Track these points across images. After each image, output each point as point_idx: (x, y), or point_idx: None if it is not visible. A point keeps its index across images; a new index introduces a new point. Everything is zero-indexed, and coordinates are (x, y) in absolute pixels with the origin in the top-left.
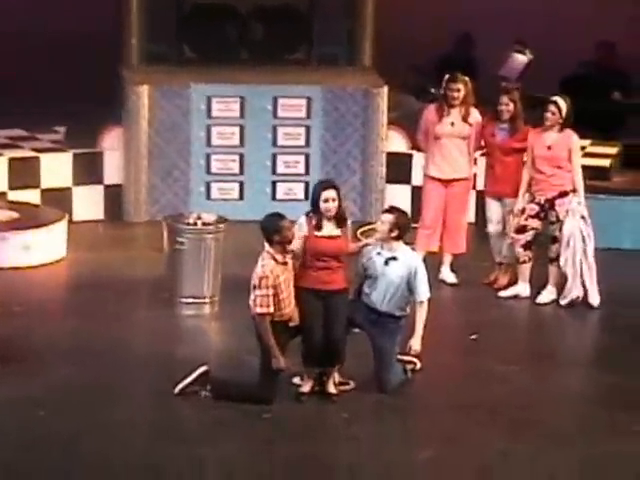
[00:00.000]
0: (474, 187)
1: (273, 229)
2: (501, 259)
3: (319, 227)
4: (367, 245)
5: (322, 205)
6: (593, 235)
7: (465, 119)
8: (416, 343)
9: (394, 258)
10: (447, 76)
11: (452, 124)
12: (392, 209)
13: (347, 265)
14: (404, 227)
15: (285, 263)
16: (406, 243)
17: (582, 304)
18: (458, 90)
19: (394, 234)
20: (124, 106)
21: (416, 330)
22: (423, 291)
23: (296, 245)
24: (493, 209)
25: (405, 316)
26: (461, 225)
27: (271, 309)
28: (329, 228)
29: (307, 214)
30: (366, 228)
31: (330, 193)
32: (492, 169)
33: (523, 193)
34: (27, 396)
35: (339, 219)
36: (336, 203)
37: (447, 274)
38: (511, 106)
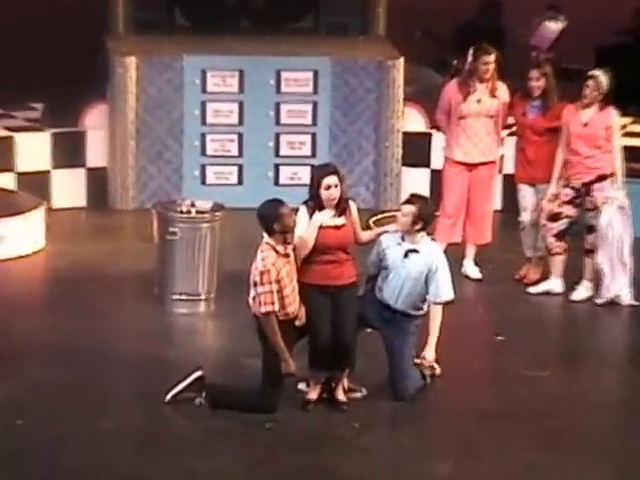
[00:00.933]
0: (500, 170)
1: (272, 217)
2: (533, 253)
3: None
4: (385, 232)
5: (323, 193)
6: (632, 226)
7: (493, 94)
8: (430, 352)
9: (415, 251)
10: (475, 47)
11: (478, 101)
12: (413, 198)
13: (357, 256)
14: (428, 218)
15: (287, 255)
16: (428, 234)
17: (619, 302)
18: (490, 63)
19: (417, 226)
20: (109, 80)
21: (430, 337)
22: (443, 291)
23: (300, 232)
24: (527, 197)
25: (422, 316)
26: (487, 213)
27: (276, 306)
28: (330, 218)
29: (306, 203)
30: (380, 217)
31: (332, 179)
32: (523, 152)
33: (557, 177)
34: (4, 399)
35: (340, 206)
36: (338, 189)
37: (471, 268)
38: (542, 81)
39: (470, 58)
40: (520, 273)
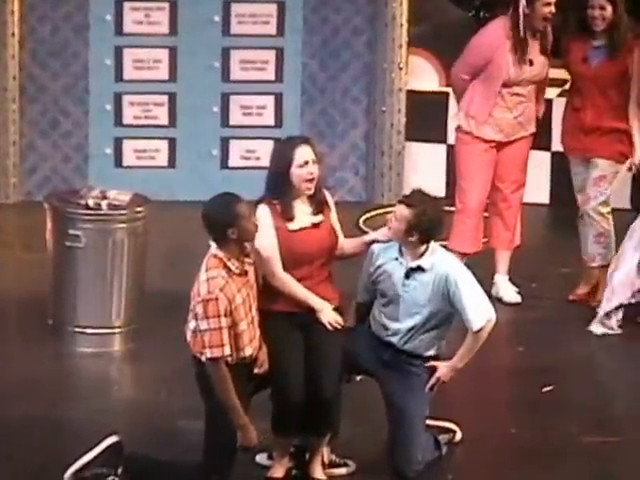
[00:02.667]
0: (548, 147)
1: (226, 220)
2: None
3: (290, 216)
4: (375, 242)
5: (297, 173)
6: None
7: (544, 51)
8: (446, 370)
9: (420, 269)
10: None
11: (531, 63)
12: (413, 197)
13: (338, 269)
14: (430, 229)
15: (244, 273)
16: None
17: None
18: (551, 5)
19: (413, 238)
20: None
21: (456, 356)
22: (481, 311)
23: (264, 243)
24: (583, 174)
25: (438, 356)
26: (519, 205)
27: (227, 349)
28: (305, 215)
29: (264, 199)
30: (373, 213)
31: (307, 152)
32: (577, 113)
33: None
34: None
35: (317, 198)
36: (316, 168)
37: (505, 287)
38: (609, 10)
39: (522, 1)
40: (577, 291)
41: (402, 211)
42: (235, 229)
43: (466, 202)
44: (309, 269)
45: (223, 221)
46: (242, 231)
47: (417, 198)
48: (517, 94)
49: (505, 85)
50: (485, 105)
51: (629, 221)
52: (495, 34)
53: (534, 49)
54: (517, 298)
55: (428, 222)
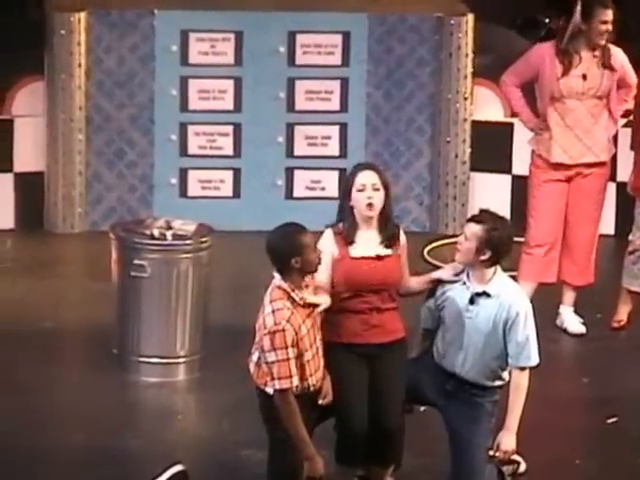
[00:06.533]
0: (613, 178)
1: (290, 251)
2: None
3: (350, 240)
4: (440, 281)
5: (356, 198)
6: None
7: (605, 64)
8: (508, 440)
9: (486, 294)
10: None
11: (584, 77)
12: (483, 215)
13: (403, 303)
14: (501, 246)
15: (308, 305)
16: (505, 270)
17: None
18: (609, 23)
19: (484, 257)
20: (46, 47)
21: (508, 418)
22: (530, 351)
23: (322, 277)
24: None
25: (501, 387)
26: (593, 241)
27: (295, 380)
28: (371, 243)
29: (333, 226)
30: (438, 244)
31: (369, 176)
32: None
33: None
34: None
35: (387, 229)
36: (381, 196)
37: (570, 318)
38: None
39: (577, 16)
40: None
41: (472, 228)
42: (299, 258)
43: (534, 233)
44: (372, 299)
45: (288, 250)
46: (306, 261)
47: (486, 216)
48: (575, 110)
49: (557, 99)
50: (539, 120)
51: (614, 247)
52: (546, 46)
53: (591, 64)
54: (582, 329)
55: (499, 238)
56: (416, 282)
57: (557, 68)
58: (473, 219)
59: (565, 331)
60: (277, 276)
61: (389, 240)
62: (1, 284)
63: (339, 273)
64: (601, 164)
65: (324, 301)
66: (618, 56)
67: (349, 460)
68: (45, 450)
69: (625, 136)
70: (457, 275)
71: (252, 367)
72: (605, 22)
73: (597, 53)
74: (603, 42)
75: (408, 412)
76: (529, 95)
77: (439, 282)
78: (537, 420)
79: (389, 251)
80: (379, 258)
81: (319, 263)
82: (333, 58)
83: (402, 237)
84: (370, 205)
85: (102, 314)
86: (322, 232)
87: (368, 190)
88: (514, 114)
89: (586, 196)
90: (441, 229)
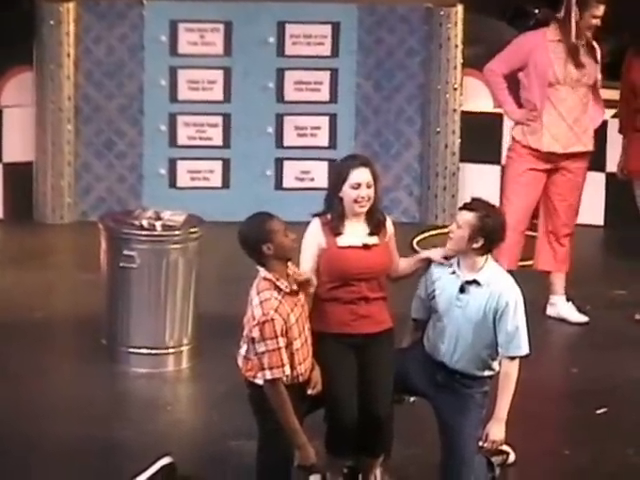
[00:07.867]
0: (602, 168)
1: (258, 237)
2: None
3: (338, 231)
4: (430, 260)
5: (348, 193)
6: None
7: (591, 55)
8: (497, 429)
9: (476, 282)
10: None
11: (579, 64)
12: (475, 203)
13: (392, 292)
14: (493, 233)
15: (294, 292)
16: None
17: None
18: (600, 17)
19: (477, 244)
20: (35, 37)
21: (497, 407)
22: (520, 340)
23: (307, 267)
24: None
25: (491, 377)
26: (573, 226)
27: (287, 369)
28: (358, 233)
29: (319, 215)
30: (427, 234)
31: (363, 174)
32: None
33: None
34: None
35: (374, 219)
36: (371, 192)
37: (568, 308)
38: None
39: (574, 8)
40: None
41: (464, 216)
42: (270, 244)
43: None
44: (360, 288)
45: (257, 237)
46: (278, 246)
47: (479, 204)
48: (568, 99)
49: (549, 85)
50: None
51: (602, 237)
52: (537, 34)
53: (583, 54)
54: (584, 317)
55: (492, 226)
56: (407, 263)
57: (552, 55)
58: (465, 207)
59: (564, 321)
60: (261, 269)
61: (376, 229)
62: None
63: (327, 263)
64: (587, 153)
65: (311, 277)
66: (598, 50)
67: (339, 451)
68: (34, 440)
69: (614, 126)
70: (447, 259)
71: (240, 360)
72: (596, 17)
73: (583, 43)
74: (589, 35)
75: (398, 402)
76: (511, 87)
77: (429, 262)
78: (526, 410)
79: (376, 240)
80: (366, 247)
81: (292, 246)
82: (323, 48)
83: (389, 225)
84: (362, 203)
85: (91, 304)
86: (309, 222)
87: (362, 189)
88: (497, 104)
89: (573, 186)
90: (431, 220)
